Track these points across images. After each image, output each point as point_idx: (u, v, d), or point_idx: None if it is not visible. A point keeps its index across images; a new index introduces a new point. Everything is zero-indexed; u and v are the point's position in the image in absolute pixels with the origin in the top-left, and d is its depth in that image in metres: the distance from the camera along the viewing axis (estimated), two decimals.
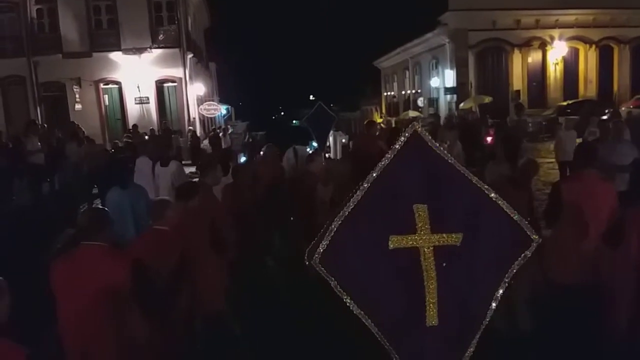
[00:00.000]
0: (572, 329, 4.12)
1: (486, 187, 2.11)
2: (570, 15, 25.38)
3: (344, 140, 16.81)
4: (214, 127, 28.37)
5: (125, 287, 3.20)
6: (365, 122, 18.37)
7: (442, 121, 16.60)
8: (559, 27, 25.59)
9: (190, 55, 24.16)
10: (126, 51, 22.69)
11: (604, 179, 4.29)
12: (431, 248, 2.03)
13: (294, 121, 58.55)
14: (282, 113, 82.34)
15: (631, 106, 20.50)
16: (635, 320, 3.56)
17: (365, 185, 2.02)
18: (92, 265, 3.21)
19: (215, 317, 4.69)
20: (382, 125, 21.35)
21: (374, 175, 2.03)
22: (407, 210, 2.04)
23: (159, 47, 23.04)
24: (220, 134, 20.49)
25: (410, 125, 2.11)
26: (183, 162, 9.92)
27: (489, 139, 9.52)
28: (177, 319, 3.84)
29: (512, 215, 2.12)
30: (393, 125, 21.11)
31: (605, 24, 25.78)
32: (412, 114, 26.04)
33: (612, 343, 3.79)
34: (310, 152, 9.18)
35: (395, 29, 34.29)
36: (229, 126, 27.74)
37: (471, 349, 2.12)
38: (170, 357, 3.77)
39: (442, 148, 2.09)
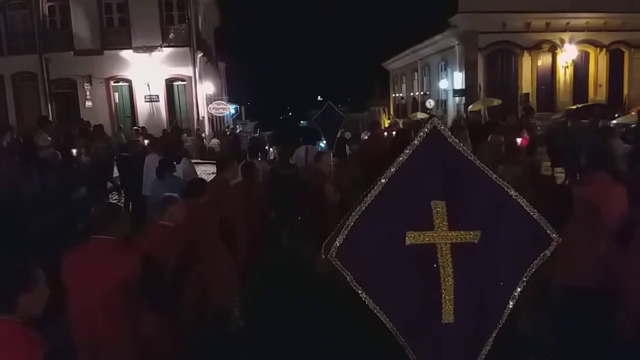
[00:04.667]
0: (580, 332, 4.07)
1: (506, 184, 2.09)
2: (581, 19, 25.25)
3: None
4: (229, 125, 28.41)
5: (134, 280, 3.20)
6: (370, 123, 18.28)
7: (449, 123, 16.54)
8: (570, 31, 25.46)
9: (200, 55, 24.21)
10: (137, 49, 22.77)
11: (615, 182, 4.25)
12: (448, 245, 2.01)
13: (302, 121, 58.54)
14: (290, 113, 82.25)
15: None
16: None
17: (383, 180, 2.00)
18: (102, 259, 3.21)
19: (225, 313, 4.70)
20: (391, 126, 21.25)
21: (392, 170, 2.01)
22: (424, 207, 2.02)
23: (169, 46, 23.12)
24: (228, 133, 20.45)
25: (429, 121, 2.09)
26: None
27: (519, 140, 9.25)
28: (184, 314, 3.85)
29: (532, 214, 2.10)
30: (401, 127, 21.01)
31: (616, 27, 25.64)
32: (420, 115, 25.92)
33: (621, 346, 3.75)
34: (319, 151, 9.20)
35: (404, 31, 34.19)
36: (237, 125, 27.75)
37: (487, 347, 2.10)
38: (177, 352, 3.78)
39: (461, 144, 2.07)
